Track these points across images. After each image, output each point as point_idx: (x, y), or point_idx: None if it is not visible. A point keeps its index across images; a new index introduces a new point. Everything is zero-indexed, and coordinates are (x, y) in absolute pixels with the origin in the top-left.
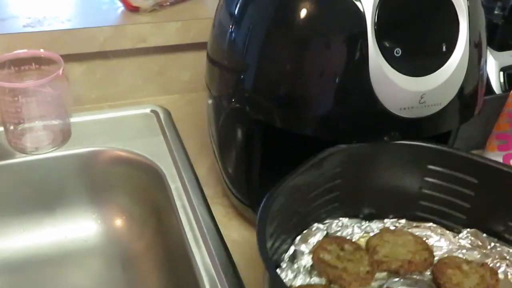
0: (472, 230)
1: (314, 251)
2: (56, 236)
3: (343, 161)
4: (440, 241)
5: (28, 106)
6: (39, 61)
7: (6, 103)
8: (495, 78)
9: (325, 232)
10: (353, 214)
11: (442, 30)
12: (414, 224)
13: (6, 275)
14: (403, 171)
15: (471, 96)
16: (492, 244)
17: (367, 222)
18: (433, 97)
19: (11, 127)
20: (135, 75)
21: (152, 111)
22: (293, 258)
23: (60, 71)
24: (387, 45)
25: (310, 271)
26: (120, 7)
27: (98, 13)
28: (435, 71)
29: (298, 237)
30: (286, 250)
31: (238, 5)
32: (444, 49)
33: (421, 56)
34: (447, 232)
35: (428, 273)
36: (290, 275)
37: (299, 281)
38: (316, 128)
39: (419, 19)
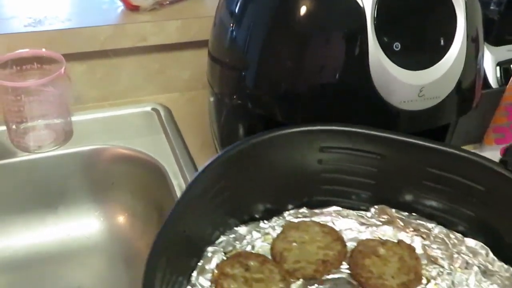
0: (380, 206)
1: (216, 282)
2: (59, 234)
3: (225, 172)
4: (348, 224)
5: (31, 105)
6: (40, 60)
7: (9, 102)
8: (491, 73)
9: (222, 253)
10: (248, 218)
11: (440, 25)
12: (317, 210)
13: (9, 273)
14: (295, 158)
15: (469, 89)
16: (403, 217)
17: (266, 222)
18: (432, 90)
19: (14, 126)
20: (136, 74)
21: (153, 109)
22: None
23: (62, 70)
24: (387, 39)
25: None
26: (120, 6)
27: (98, 13)
28: (433, 64)
29: (194, 272)
30: None
31: (238, 3)
32: (442, 43)
33: (419, 50)
34: (353, 212)
35: (344, 265)
36: None
37: None
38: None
39: (417, 14)
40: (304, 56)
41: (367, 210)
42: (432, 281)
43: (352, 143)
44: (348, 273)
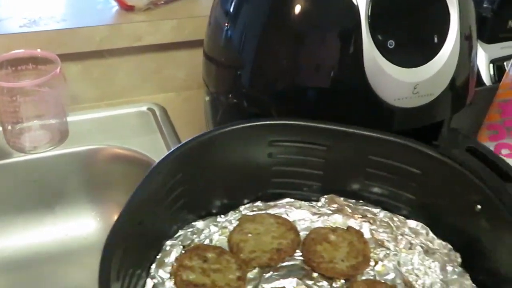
0: (329, 195)
1: (175, 274)
2: (56, 234)
3: (179, 167)
4: (301, 214)
5: (26, 105)
6: (36, 61)
7: (4, 103)
8: (485, 70)
9: (180, 247)
10: (205, 213)
11: (434, 22)
12: (271, 203)
13: (7, 273)
14: (246, 153)
15: (463, 86)
16: (351, 204)
17: (223, 216)
18: (426, 88)
19: (9, 127)
20: (132, 74)
21: (149, 109)
22: None
23: (57, 71)
24: (381, 37)
25: None
26: (115, 6)
27: (93, 13)
28: (427, 62)
29: (153, 265)
30: (144, 286)
31: (233, 3)
32: (436, 40)
33: (413, 47)
34: (305, 203)
35: (298, 253)
36: None
37: None
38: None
39: (411, 12)
40: (299, 54)
41: (318, 200)
42: (380, 263)
43: (297, 136)
44: (302, 260)
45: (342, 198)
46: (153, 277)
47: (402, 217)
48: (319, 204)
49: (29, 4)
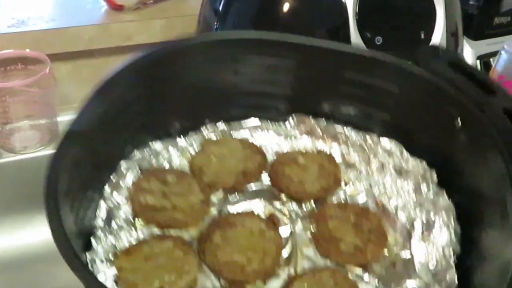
0: (299, 115)
1: (132, 198)
2: (47, 234)
3: (136, 80)
4: (267, 137)
5: (16, 106)
6: (25, 61)
7: None
8: None
9: (137, 169)
10: (164, 133)
11: (420, 19)
12: (235, 125)
13: None
14: (210, 69)
15: None
16: (322, 125)
17: (183, 137)
18: None
19: None
20: None
21: None
22: (109, 216)
23: (47, 71)
24: (368, 34)
25: (134, 222)
26: (104, 6)
27: (82, 12)
28: None
29: (107, 186)
30: (96, 210)
31: (222, 1)
32: (422, 36)
33: (401, 44)
34: (272, 125)
35: (265, 177)
36: (111, 240)
37: (124, 241)
38: None
39: (398, 9)
40: None
41: (285, 121)
42: (351, 185)
43: (266, 52)
44: (269, 184)
45: (312, 118)
46: (107, 200)
47: (376, 137)
48: (288, 125)
49: (17, 4)
